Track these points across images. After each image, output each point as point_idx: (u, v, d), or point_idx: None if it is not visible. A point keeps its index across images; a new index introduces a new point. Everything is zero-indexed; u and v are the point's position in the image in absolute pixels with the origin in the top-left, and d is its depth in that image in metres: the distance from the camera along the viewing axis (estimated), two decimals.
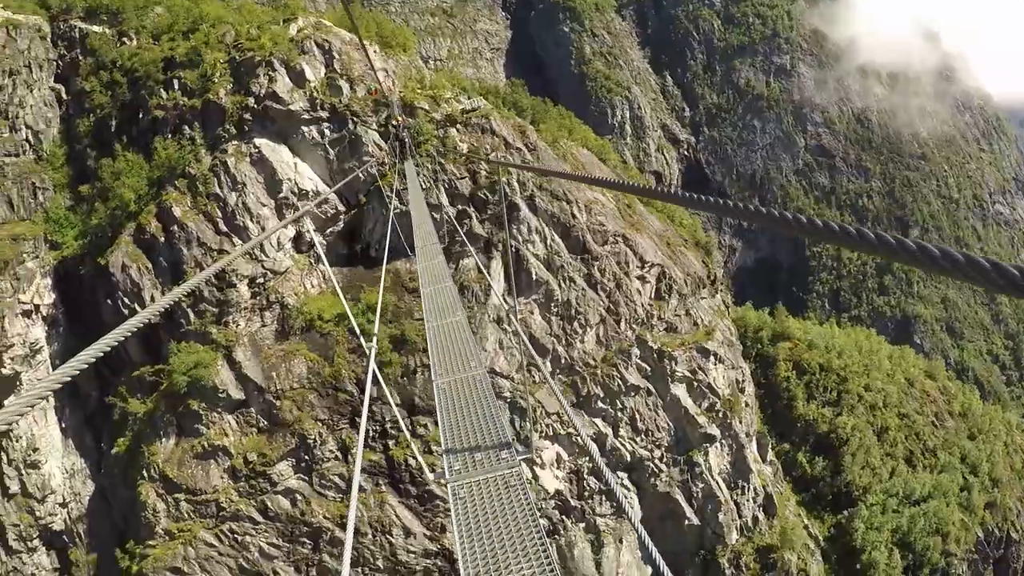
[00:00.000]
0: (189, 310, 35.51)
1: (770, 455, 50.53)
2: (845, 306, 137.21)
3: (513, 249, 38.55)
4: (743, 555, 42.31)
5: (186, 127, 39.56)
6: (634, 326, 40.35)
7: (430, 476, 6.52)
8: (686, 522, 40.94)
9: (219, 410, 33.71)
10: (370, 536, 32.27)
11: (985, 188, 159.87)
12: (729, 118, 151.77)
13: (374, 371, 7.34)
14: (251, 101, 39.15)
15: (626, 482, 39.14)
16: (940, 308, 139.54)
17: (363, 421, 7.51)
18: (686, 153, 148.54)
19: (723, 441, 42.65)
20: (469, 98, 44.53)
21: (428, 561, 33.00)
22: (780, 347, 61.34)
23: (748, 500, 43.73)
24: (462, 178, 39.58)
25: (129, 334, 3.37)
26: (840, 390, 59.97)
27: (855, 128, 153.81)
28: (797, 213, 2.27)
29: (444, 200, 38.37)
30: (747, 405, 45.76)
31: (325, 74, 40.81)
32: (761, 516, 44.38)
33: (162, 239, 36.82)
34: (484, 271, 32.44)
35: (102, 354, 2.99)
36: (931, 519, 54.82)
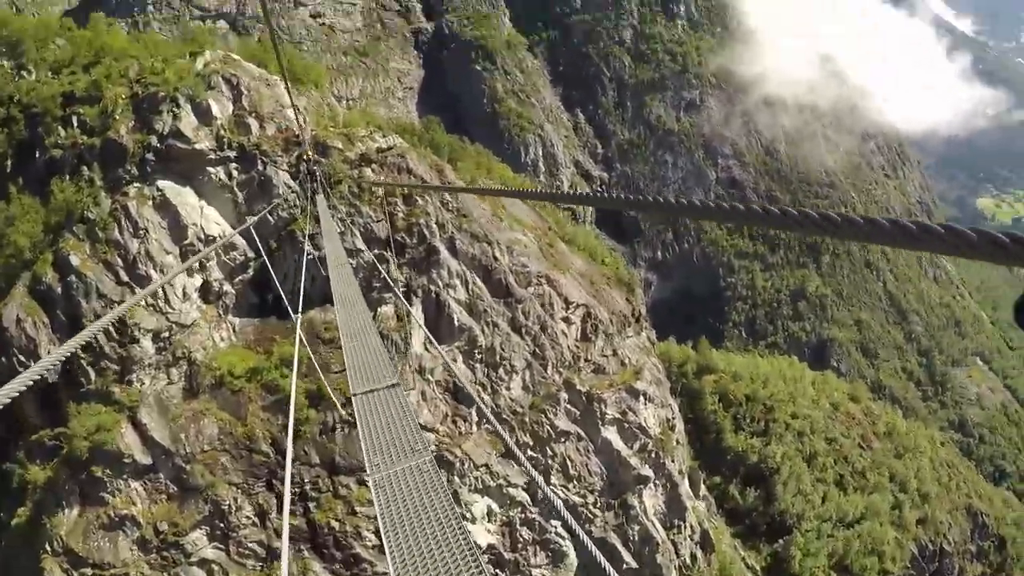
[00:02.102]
0: (89, 368, 32.89)
1: (703, 490, 49.94)
2: (761, 334, 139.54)
3: (434, 295, 37.11)
4: None
5: (85, 167, 36.70)
6: (561, 370, 39.15)
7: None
8: (624, 566, 39.69)
9: (125, 476, 31.12)
10: None
11: (892, 212, 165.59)
12: (641, 153, 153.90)
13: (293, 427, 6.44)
14: (154, 140, 36.56)
15: (560, 530, 37.68)
16: (854, 330, 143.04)
17: (287, 482, 6.47)
18: (599, 189, 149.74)
19: (656, 481, 41.65)
20: (384, 136, 42.87)
21: None
22: (705, 380, 61.17)
23: (685, 539, 42.81)
24: (379, 220, 37.99)
25: (19, 392, 3.30)
26: (767, 419, 60.10)
27: (764, 160, 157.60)
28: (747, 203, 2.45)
29: (361, 244, 36.73)
30: (678, 443, 44.98)
31: (233, 111, 38.69)
32: (699, 553, 43.56)
33: (59, 290, 34.10)
34: (410, 315, 30.88)
35: None
36: (866, 540, 55.46)
